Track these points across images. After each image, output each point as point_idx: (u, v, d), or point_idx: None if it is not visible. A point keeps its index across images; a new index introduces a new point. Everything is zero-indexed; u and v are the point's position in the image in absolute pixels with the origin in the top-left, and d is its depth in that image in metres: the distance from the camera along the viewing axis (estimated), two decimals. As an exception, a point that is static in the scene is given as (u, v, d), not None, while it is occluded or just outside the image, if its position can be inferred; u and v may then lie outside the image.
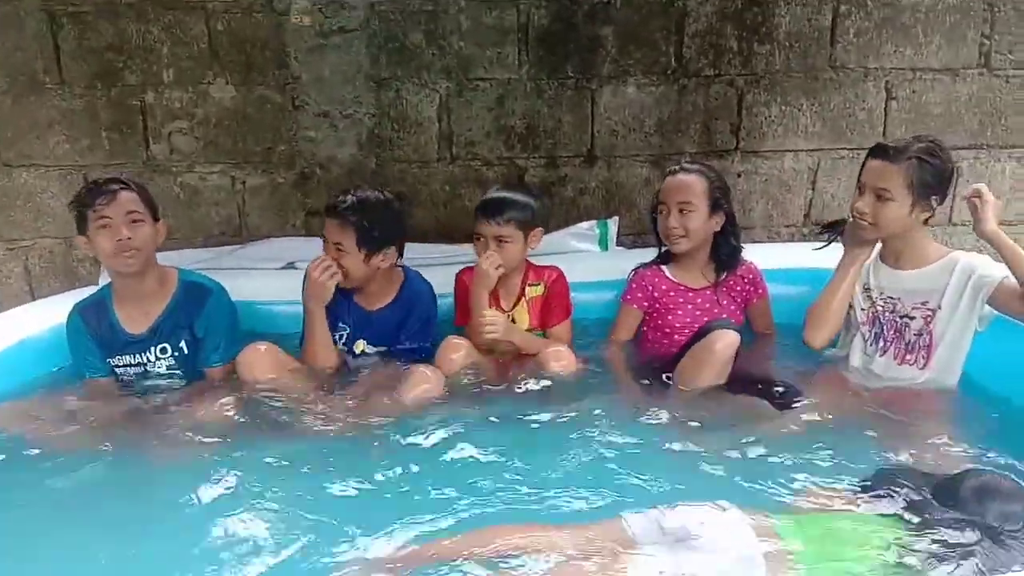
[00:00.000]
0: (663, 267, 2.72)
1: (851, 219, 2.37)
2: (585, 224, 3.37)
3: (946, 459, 2.01)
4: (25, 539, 1.80)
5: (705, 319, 2.60)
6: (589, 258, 3.22)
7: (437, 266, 2.90)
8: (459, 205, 3.43)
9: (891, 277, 2.40)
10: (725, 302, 2.69)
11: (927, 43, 3.40)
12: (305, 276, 2.55)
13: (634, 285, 2.72)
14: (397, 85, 3.34)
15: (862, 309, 2.46)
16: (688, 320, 2.65)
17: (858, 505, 1.78)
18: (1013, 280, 2.18)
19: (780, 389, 2.38)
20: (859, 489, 1.83)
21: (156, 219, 2.49)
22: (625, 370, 2.64)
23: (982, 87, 3.46)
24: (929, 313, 2.32)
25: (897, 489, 1.77)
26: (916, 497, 1.74)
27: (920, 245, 2.37)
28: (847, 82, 3.43)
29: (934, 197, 2.26)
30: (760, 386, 2.39)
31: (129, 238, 2.37)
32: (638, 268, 2.76)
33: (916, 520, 1.66)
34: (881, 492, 1.77)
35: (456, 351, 2.49)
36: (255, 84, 3.31)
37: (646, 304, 2.71)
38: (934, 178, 2.25)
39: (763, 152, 3.50)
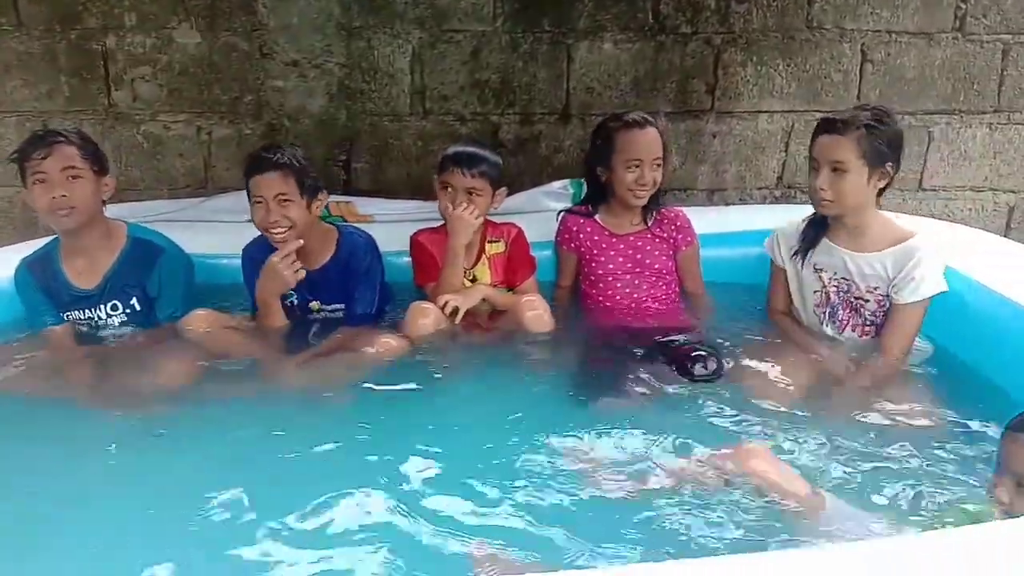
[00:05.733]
0: (595, 213, 2.74)
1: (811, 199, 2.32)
2: (559, 183, 3.32)
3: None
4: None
5: (629, 265, 2.66)
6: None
7: (407, 222, 2.86)
8: (431, 161, 3.32)
9: (844, 258, 2.35)
10: (649, 248, 2.70)
11: (903, 6, 3.38)
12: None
13: (562, 228, 2.77)
14: (368, 35, 3.26)
15: (815, 291, 2.43)
16: (612, 267, 2.69)
17: None
18: (909, 307, 2.25)
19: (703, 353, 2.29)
20: None
21: (104, 172, 2.40)
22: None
23: (956, 52, 3.46)
24: (881, 297, 2.31)
25: None
26: None
27: (876, 225, 2.33)
28: (823, 43, 3.40)
29: (889, 164, 2.24)
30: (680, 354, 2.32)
31: (64, 195, 2.29)
32: (566, 211, 2.81)
33: None
34: None
35: (424, 316, 2.43)
36: (221, 30, 3.20)
37: (576, 247, 2.74)
38: (886, 144, 2.22)
39: (738, 112, 3.47)
